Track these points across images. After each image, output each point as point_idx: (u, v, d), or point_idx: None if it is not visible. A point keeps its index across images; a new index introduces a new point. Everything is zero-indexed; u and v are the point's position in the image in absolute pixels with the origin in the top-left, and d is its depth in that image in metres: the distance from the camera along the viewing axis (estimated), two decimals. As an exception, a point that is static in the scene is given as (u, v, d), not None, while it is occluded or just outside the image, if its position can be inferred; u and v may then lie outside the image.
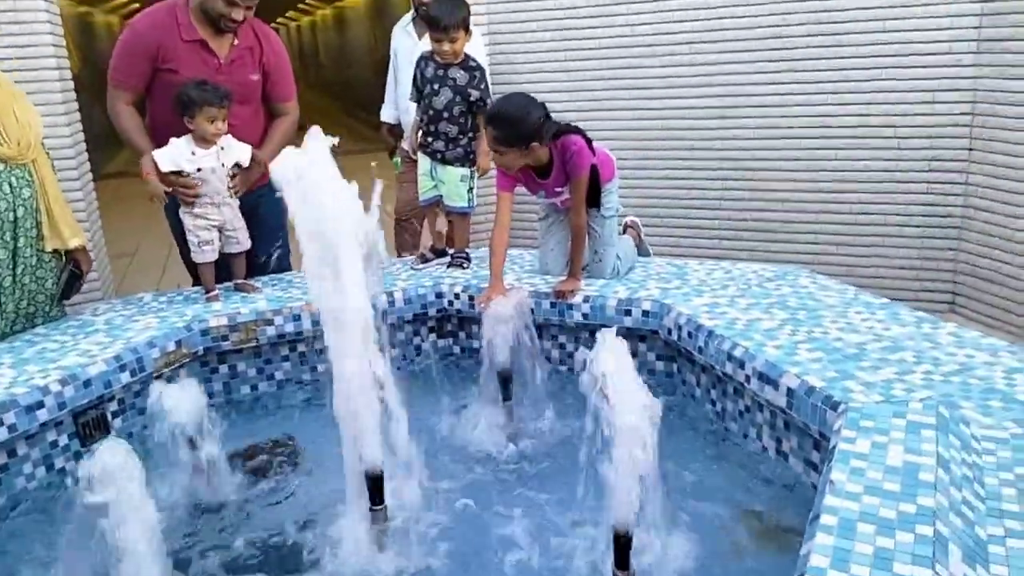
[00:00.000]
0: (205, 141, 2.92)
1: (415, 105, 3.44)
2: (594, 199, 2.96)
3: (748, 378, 2.24)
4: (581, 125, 2.91)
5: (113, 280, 4.77)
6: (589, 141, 2.86)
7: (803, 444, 2.13)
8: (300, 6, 23.46)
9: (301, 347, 2.98)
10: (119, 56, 3.10)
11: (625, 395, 1.68)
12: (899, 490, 1.55)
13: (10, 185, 2.73)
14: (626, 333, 2.77)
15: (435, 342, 3.21)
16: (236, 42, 3.14)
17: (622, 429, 1.66)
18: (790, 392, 2.09)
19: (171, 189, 2.91)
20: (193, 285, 3.37)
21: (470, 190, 3.36)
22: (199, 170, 2.91)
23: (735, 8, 4.32)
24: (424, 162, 3.35)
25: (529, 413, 2.67)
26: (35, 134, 2.83)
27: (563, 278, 2.98)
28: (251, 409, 2.92)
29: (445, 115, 3.24)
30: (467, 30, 3.21)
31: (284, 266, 3.55)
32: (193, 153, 2.90)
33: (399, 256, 4.32)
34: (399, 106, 4.41)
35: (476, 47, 4.18)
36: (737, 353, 2.30)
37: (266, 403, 2.95)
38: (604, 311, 2.81)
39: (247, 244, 3.14)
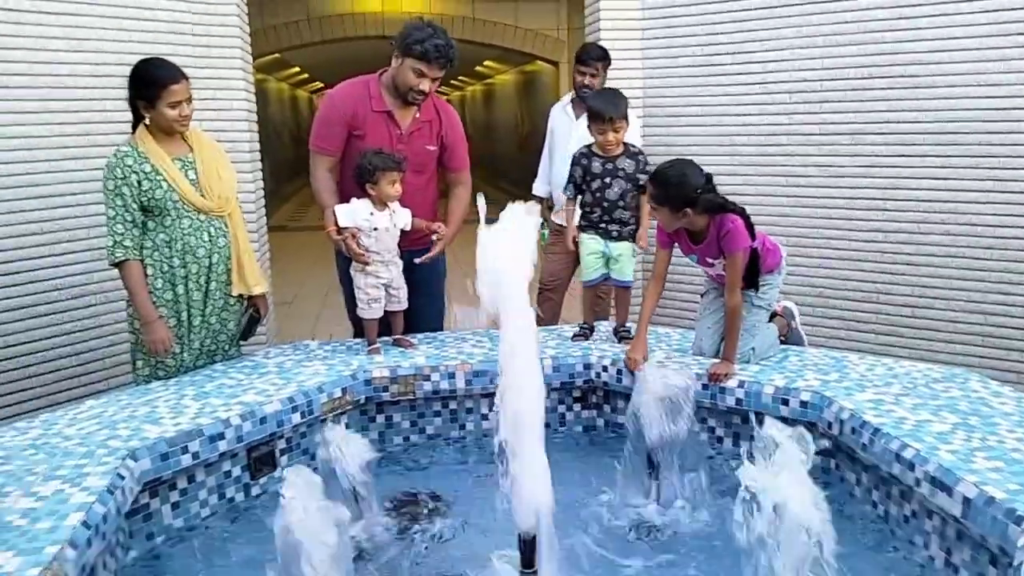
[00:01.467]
0: (382, 203, 3.13)
1: (566, 198, 3.51)
2: (751, 280, 2.97)
3: (918, 482, 2.13)
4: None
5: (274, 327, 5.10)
6: (751, 225, 2.87)
7: (977, 557, 2.00)
8: (452, 82, 24.73)
9: (452, 404, 3.08)
10: (320, 125, 3.38)
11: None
12: (1098, 619, 1.43)
13: (209, 234, 3.01)
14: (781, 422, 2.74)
15: (579, 413, 3.24)
16: (418, 115, 3.38)
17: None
18: (967, 501, 1.97)
19: (343, 249, 3.13)
20: (354, 337, 3.55)
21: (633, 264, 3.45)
22: (375, 229, 3.11)
23: (899, 102, 4.24)
24: (594, 243, 3.39)
25: (677, 490, 2.63)
26: (232, 189, 3.11)
27: (715, 360, 2.96)
28: (401, 460, 3.01)
29: (620, 204, 3.32)
30: (627, 119, 3.33)
31: (437, 326, 3.69)
32: (372, 214, 3.11)
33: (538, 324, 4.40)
34: (551, 181, 4.57)
35: (632, 129, 4.29)
36: (907, 454, 2.19)
37: (416, 456, 3.04)
38: (760, 398, 2.75)
39: (406, 303, 3.31)
